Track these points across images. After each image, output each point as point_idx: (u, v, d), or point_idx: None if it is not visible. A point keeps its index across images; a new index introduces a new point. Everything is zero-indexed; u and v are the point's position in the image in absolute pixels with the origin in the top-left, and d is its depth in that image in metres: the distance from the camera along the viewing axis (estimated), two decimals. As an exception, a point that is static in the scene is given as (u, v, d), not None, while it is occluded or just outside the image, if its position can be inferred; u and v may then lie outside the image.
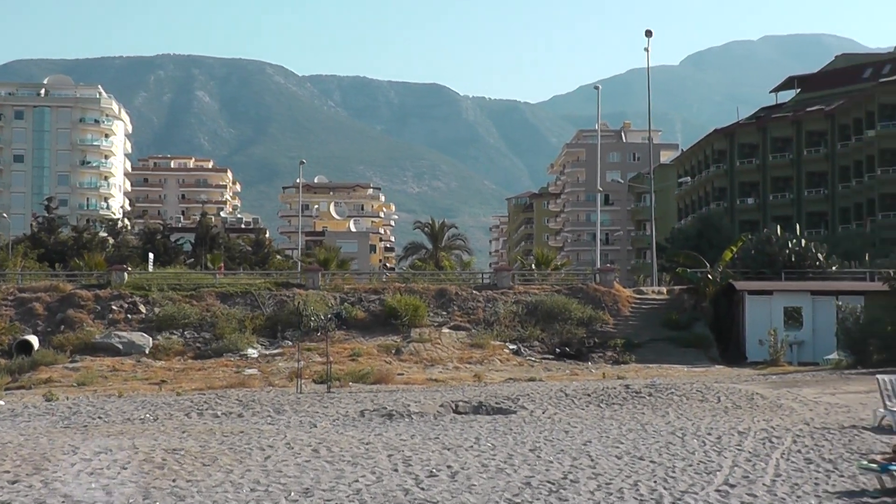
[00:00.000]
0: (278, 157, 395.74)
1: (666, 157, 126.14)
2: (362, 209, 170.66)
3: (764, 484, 13.77)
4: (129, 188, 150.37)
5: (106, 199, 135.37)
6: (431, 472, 14.66)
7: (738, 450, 16.61)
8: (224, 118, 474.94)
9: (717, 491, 13.33)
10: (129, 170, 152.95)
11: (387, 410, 22.53)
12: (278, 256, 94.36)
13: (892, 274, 39.56)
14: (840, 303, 39.49)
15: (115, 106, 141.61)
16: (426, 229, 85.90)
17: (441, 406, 23.46)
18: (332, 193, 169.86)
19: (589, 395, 24.89)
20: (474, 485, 13.73)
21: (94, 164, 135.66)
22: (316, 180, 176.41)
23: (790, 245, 48.94)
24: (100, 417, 22.39)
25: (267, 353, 39.28)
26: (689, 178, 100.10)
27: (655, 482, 13.91)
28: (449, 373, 35.22)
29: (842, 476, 14.26)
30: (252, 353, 39.05)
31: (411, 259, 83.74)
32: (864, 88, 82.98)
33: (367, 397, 25.99)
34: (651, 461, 15.59)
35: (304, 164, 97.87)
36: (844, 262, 51.72)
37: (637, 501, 12.80)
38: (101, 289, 44.69)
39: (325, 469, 14.89)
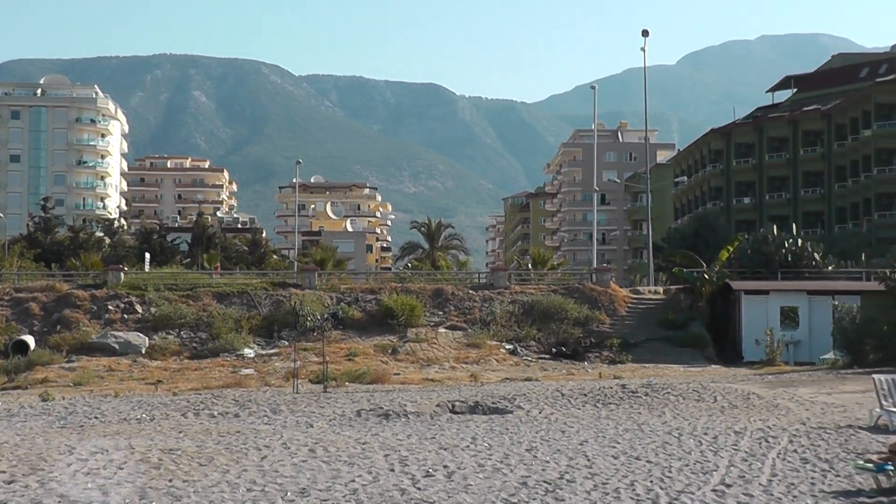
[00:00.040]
0: (275, 156, 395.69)
1: (662, 156, 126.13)
2: (359, 209, 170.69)
3: (760, 484, 13.78)
4: (125, 188, 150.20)
5: (102, 199, 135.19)
6: (428, 471, 14.66)
7: (735, 449, 16.62)
8: (220, 118, 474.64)
9: (714, 491, 13.34)
10: (126, 170, 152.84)
11: (383, 410, 22.53)
12: (275, 256, 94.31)
13: (888, 273, 39.55)
14: (836, 302, 39.52)
15: (111, 106, 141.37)
16: (423, 229, 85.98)
17: (437, 406, 23.46)
18: (328, 193, 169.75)
19: (585, 395, 24.89)
20: (471, 485, 13.73)
21: (91, 164, 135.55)
22: (312, 180, 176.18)
23: (786, 245, 48.94)
24: (96, 417, 22.37)
25: (263, 353, 39.25)
26: (685, 178, 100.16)
27: (652, 482, 13.92)
28: (445, 373, 35.22)
29: (838, 476, 14.27)
30: (248, 353, 39.02)
31: (408, 259, 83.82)
32: (860, 88, 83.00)
33: (364, 397, 25.99)
34: (647, 461, 15.60)
35: (300, 164, 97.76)
36: (841, 261, 51.78)
37: (633, 501, 12.80)
38: (97, 289, 44.67)
39: (322, 469, 14.89)
